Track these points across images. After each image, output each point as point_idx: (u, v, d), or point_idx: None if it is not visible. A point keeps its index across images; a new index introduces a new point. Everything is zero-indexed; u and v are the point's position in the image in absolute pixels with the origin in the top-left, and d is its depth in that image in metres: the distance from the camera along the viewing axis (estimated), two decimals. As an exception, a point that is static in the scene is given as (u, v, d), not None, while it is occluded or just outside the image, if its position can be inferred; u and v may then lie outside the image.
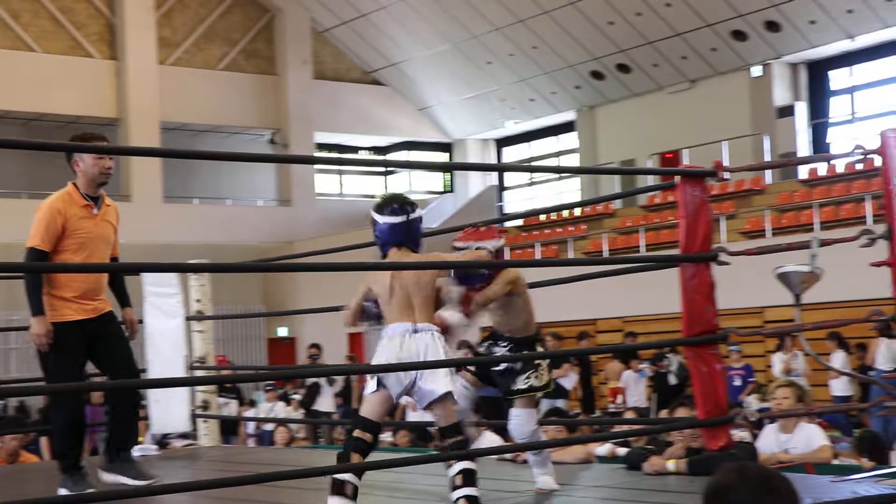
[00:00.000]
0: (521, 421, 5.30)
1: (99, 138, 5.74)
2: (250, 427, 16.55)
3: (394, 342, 4.52)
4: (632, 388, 16.33)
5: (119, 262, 5.97)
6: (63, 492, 5.55)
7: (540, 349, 5.42)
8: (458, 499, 4.43)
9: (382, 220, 4.64)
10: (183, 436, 8.46)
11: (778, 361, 14.94)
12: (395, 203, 4.65)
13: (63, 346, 5.62)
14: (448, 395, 4.53)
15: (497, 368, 5.31)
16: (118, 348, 5.86)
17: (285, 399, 17.73)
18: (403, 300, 4.56)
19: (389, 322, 4.58)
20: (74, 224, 5.65)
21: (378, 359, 4.55)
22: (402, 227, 4.62)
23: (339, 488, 4.42)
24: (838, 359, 14.31)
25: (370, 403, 4.59)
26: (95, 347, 5.79)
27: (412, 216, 4.65)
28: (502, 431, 10.61)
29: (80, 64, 26.38)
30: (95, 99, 26.53)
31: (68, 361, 5.66)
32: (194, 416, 8.54)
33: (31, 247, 5.59)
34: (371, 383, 4.58)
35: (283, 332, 28.10)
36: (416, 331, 4.52)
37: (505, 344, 5.34)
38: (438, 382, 4.50)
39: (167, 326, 7.77)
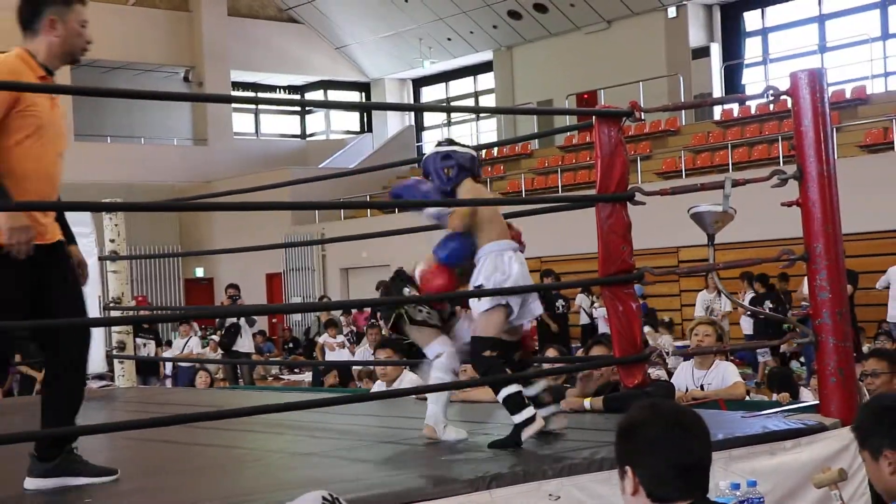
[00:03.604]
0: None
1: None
2: (168, 368, 16.46)
3: (506, 256, 4.60)
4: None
5: (31, 201, 4.05)
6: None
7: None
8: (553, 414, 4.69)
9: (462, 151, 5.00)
10: (99, 377, 8.39)
11: (701, 300, 15.22)
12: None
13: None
14: None
15: None
16: (72, 308, 4.12)
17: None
18: (501, 221, 4.74)
19: (491, 240, 4.63)
20: (31, 98, 3.96)
21: (498, 275, 4.54)
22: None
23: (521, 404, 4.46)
24: (749, 297, 14.58)
25: (492, 320, 4.54)
26: (42, 293, 4.01)
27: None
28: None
29: (-15, -2, 25.59)
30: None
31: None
32: (110, 358, 8.48)
33: None
34: (485, 301, 4.54)
35: (199, 272, 27.88)
36: (516, 249, 4.68)
37: None
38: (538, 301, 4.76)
39: (81, 267, 7.64)
